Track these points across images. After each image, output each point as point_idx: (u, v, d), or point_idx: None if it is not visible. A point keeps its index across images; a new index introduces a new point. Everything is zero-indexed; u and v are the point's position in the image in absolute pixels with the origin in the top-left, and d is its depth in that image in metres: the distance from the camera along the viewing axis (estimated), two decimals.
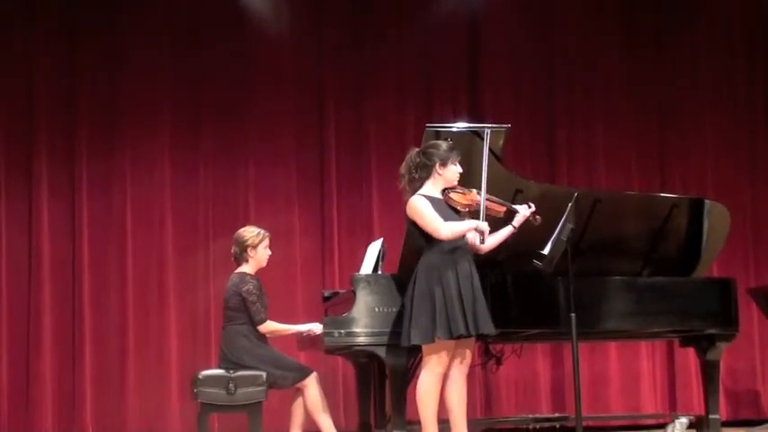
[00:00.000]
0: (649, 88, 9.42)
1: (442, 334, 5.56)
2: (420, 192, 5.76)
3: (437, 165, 5.75)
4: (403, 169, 5.84)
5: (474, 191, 5.76)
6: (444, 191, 5.78)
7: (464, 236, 5.70)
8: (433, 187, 5.78)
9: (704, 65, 9.52)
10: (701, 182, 9.30)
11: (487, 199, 5.75)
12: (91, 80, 8.56)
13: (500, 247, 5.90)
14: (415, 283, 5.67)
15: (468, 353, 5.78)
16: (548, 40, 9.34)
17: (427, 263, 5.66)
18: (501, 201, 5.86)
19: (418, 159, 5.79)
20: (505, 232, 5.83)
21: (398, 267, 6.19)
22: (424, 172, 5.77)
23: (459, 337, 5.59)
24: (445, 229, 5.61)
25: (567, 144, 9.27)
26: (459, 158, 5.79)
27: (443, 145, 5.80)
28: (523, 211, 5.83)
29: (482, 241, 5.64)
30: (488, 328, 5.65)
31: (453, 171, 5.78)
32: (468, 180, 5.84)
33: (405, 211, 5.80)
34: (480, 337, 5.82)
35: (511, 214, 5.85)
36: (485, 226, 5.63)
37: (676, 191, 8.99)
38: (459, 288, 5.59)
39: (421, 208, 5.67)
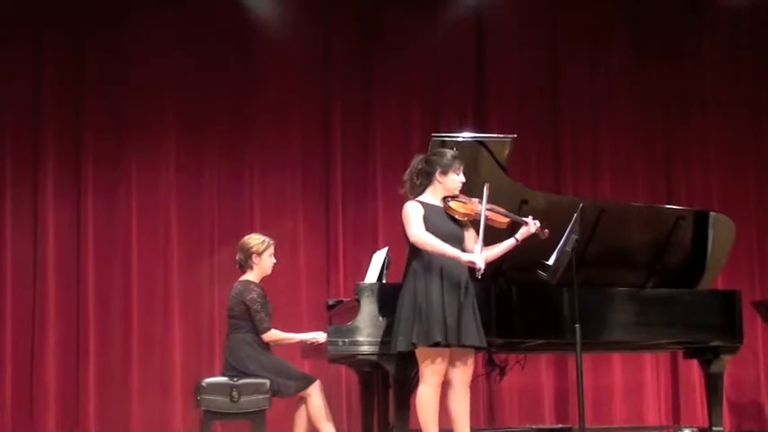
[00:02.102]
0: (655, 97, 9.43)
1: (420, 341, 5.56)
2: (418, 198, 5.77)
3: (437, 172, 5.74)
4: (406, 175, 5.85)
5: (476, 200, 5.73)
6: (445, 199, 5.78)
7: (456, 243, 5.67)
8: (432, 195, 5.77)
9: (710, 74, 9.52)
10: (707, 193, 9.30)
11: (491, 209, 5.71)
12: (97, 86, 8.59)
13: (504, 257, 5.89)
14: (403, 289, 5.70)
15: (470, 362, 5.76)
16: (554, 49, 9.35)
17: (414, 270, 5.68)
18: (505, 212, 5.81)
19: (420, 166, 5.79)
20: (506, 245, 5.78)
21: (403, 276, 6.19)
22: (424, 179, 5.78)
23: (436, 345, 5.57)
24: (425, 238, 5.59)
25: (573, 154, 9.28)
26: (462, 168, 5.78)
27: (447, 153, 5.78)
28: (528, 227, 5.76)
29: (477, 276, 5.56)
30: (474, 339, 5.62)
31: (454, 180, 5.76)
32: (474, 190, 5.83)
33: None
34: (481, 348, 5.80)
35: (516, 225, 5.82)
36: (479, 260, 5.53)
37: (682, 201, 8.99)
38: (442, 297, 5.58)
39: (407, 213, 5.68)
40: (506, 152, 6.30)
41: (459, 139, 6.26)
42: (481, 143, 6.29)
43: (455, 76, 9.18)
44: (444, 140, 6.15)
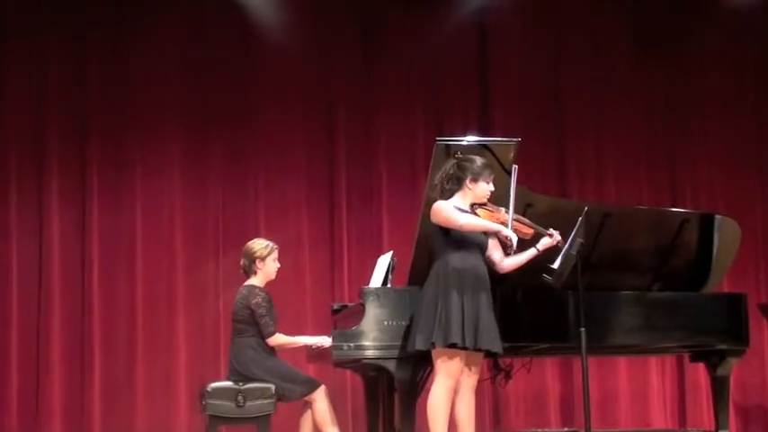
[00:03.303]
0: (659, 100, 9.41)
1: (438, 341, 5.57)
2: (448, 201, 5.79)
3: (468, 179, 5.76)
4: (437, 179, 5.86)
5: (503, 210, 5.76)
6: (472, 206, 5.78)
7: (479, 250, 5.72)
8: (461, 200, 5.78)
9: (713, 75, 9.48)
10: (712, 195, 9.28)
11: (516, 220, 5.75)
12: (100, 92, 8.60)
13: None
14: (424, 291, 5.71)
15: (477, 367, 5.78)
16: (557, 53, 9.34)
17: (436, 273, 5.69)
18: (530, 223, 5.84)
19: (452, 171, 5.81)
20: (528, 254, 5.82)
21: (408, 280, 6.19)
22: (455, 184, 5.79)
23: (452, 346, 5.58)
24: (463, 219, 5.64)
25: (577, 158, 9.26)
26: (493, 176, 5.80)
27: (478, 161, 5.81)
28: (552, 240, 5.80)
29: (508, 253, 5.65)
30: (490, 344, 5.66)
31: (484, 188, 5.78)
32: None
33: (418, 221, 5.94)
34: (489, 353, 5.80)
35: (538, 237, 5.83)
36: (513, 236, 5.60)
37: (687, 204, 8.98)
38: (462, 301, 5.59)
39: (442, 208, 5.69)
40: (511, 155, 6.29)
41: (464, 143, 6.25)
42: (485, 147, 6.28)
43: (458, 78, 9.17)
44: (449, 145, 6.14)
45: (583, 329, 5.85)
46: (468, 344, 5.58)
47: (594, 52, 9.39)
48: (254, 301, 6.36)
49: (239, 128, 8.78)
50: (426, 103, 9.10)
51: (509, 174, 6.25)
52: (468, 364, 5.71)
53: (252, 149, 8.78)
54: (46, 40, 8.57)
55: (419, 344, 5.66)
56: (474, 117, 9.11)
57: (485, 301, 5.65)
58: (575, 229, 5.80)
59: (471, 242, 5.70)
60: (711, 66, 9.50)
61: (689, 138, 9.42)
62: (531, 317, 6.27)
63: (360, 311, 6.09)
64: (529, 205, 6.32)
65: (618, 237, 6.65)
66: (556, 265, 5.75)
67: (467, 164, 5.80)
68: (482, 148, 6.24)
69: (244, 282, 6.54)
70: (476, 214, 5.76)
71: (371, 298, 6.06)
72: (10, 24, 8.53)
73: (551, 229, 5.83)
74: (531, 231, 5.82)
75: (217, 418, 6.28)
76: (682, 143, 9.42)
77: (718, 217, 7.04)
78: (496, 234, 5.68)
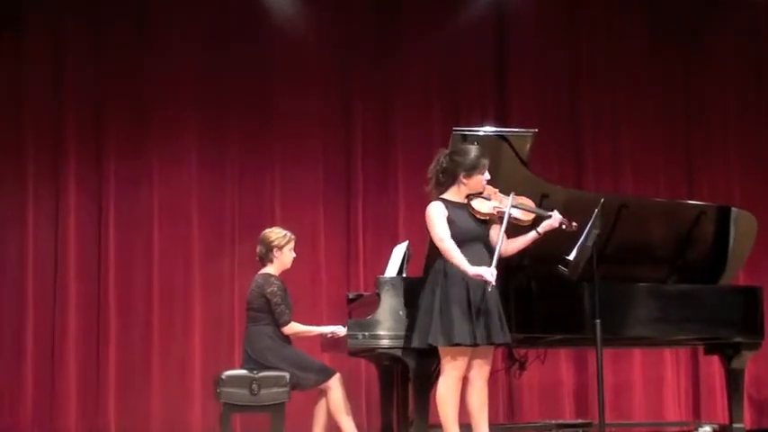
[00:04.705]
0: (676, 94, 9.39)
1: (440, 340, 5.57)
2: (443, 196, 5.76)
3: (462, 174, 5.72)
4: (430, 172, 5.82)
5: (501, 195, 5.72)
6: (468, 197, 5.76)
7: (479, 240, 5.69)
8: (456, 193, 5.76)
9: (731, 70, 9.47)
10: (728, 188, 9.25)
11: (515, 206, 5.70)
12: (118, 81, 8.59)
13: (525, 251, 5.87)
14: (427, 286, 5.70)
15: (489, 358, 5.77)
16: (574, 45, 9.32)
17: (437, 268, 5.68)
18: (530, 207, 5.79)
19: (444, 164, 5.76)
20: (528, 237, 5.77)
21: (423, 270, 6.18)
22: (449, 177, 5.75)
23: (457, 345, 5.57)
24: (446, 245, 5.57)
25: (594, 149, 9.25)
26: (488, 165, 5.76)
27: (472, 152, 5.72)
28: (552, 221, 5.73)
29: (488, 288, 5.49)
30: (501, 337, 5.64)
31: (479, 180, 5.72)
32: (495, 184, 5.82)
33: None
34: (504, 344, 5.80)
35: (540, 220, 5.81)
36: (490, 276, 5.44)
37: (703, 197, 8.95)
38: (468, 296, 5.57)
39: (432, 216, 5.66)
40: (527, 146, 6.29)
41: (481, 134, 6.24)
42: (502, 137, 6.28)
43: (476, 71, 9.16)
44: (465, 135, 6.13)
45: (598, 321, 5.85)
46: (479, 340, 5.56)
47: (612, 46, 9.37)
48: (269, 290, 6.38)
49: (257, 119, 8.79)
50: (443, 96, 9.09)
51: (525, 164, 6.26)
52: (478, 356, 5.69)
53: (269, 141, 8.78)
54: (64, 30, 8.57)
55: (414, 340, 5.68)
56: (491, 110, 9.09)
57: (489, 292, 5.56)
58: (590, 221, 5.79)
59: (472, 237, 5.66)
60: (729, 60, 9.48)
61: (706, 133, 9.40)
62: (546, 308, 6.27)
63: (375, 301, 6.09)
64: (545, 196, 6.33)
65: (634, 228, 6.65)
66: (571, 257, 5.74)
67: (459, 158, 5.71)
68: (499, 139, 6.24)
69: (259, 270, 6.56)
70: (471, 206, 5.70)
71: (387, 287, 6.06)
72: (29, 14, 8.54)
73: (554, 211, 5.76)
74: (531, 218, 5.76)
75: (231, 406, 6.30)
76: (698, 138, 9.40)
77: (734, 210, 7.03)
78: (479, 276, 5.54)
